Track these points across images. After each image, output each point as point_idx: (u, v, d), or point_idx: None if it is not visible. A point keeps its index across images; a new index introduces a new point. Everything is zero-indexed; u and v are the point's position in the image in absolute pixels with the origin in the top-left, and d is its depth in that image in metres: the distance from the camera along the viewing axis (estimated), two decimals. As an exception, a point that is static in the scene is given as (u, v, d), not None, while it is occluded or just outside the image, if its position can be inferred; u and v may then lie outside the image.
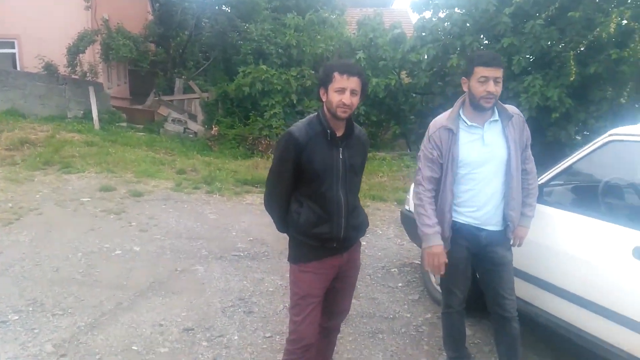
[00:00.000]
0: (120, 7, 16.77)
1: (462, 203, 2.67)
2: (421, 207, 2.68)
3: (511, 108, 2.66)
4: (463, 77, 2.61)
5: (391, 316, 3.87)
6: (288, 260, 2.58)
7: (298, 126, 2.39)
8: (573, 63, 9.44)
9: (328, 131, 2.34)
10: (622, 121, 9.60)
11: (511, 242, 2.77)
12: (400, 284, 4.46)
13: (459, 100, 2.68)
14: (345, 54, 12.61)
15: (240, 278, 4.47)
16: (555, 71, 10.18)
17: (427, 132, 2.73)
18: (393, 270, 4.80)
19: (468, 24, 10.95)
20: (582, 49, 9.52)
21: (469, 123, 2.61)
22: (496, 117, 2.62)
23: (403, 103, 12.76)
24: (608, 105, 9.80)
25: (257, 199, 7.47)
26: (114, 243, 5.22)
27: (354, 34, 13.47)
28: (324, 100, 2.36)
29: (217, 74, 14.07)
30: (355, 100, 2.31)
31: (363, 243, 4.20)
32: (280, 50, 12.61)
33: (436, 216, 2.67)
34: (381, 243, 5.65)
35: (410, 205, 4.48)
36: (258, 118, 12.15)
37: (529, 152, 2.75)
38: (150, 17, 16.53)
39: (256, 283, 4.38)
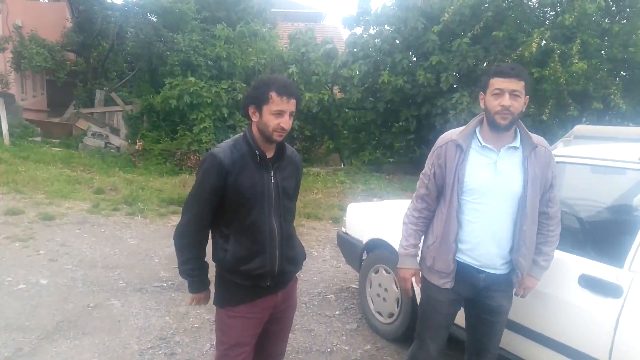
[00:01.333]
0: (36, 13, 15.69)
1: (460, 236, 2.29)
2: (404, 226, 2.46)
3: (537, 138, 2.28)
4: (480, 92, 2.27)
5: (329, 350, 3.60)
6: (214, 303, 2.27)
7: (222, 147, 2.10)
8: (498, 81, 9.71)
9: (257, 152, 2.07)
10: (544, 137, 10.09)
11: (514, 290, 2.39)
12: (337, 312, 4.21)
13: (477, 118, 2.32)
14: (277, 67, 12.38)
15: (162, 313, 4.04)
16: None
17: (434, 146, 2.40)
18: (330, 296, 4.55)
19: (397, 41, 11.11)
20: (506, 67, 9.83)
21: (483, 143, 2.24)
22: (517, 143, 2.23)
23: (336, 118, 12.73)
24: (531, 122, 10.19)
25: (183, 220, 7.02)
26: (17, 275, 4.62)
27: (286, 47, 13.30)
28: (254, 120, 2.08)
29: (142, 85, 13.39)
30: (291, 122, 2.07)
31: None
32: (209, 62, 12.18)
33: (430, 244, 2.38)
34: (317, 266, 5.39)
35: (347, 227, 4.28)
36: (186, 132, 11.63)
37: (554, 193, 2.33)
38: (69, 25, 15.53)
39: (180, 318, 3.97)
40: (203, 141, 11.42)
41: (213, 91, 11.67)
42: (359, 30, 12.01)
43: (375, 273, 3.78)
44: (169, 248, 5.72)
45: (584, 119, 9.89)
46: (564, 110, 9.56)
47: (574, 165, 2.68)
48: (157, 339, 3.60)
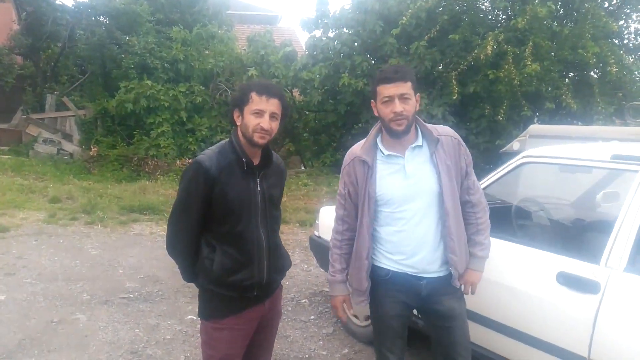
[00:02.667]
0: (-21, 15, 14.92)
1: (392, 248, 2.21)
2: (330, 251, 2.37)
3: (442, 129, 2.24)
4: (372, 101, 2.20)
5: (307, 355, 3.57)
6: (199, 315, 2.19)
7: (208, 154, 2.04)
8: (455, 83, 9.96)
9: (244, 160, 2.02)
10: (498, 137, 10.35)
11: (462, 289, 2.31)
12: (312, 317, 4.18)
13: (375, 127, 2.26)
14: (236, 70, 12.23)
15: (131, 326, 3.90)
16: (438, 90, 10.72)
17: (342, 164, 2.33)
18: (303, 301, 4.51)
19: (357, 44, 11.20)
20: (463, 68, 10.07)
21: (386, 152, 2.19)
22: (420, 141, 2.18)
23: (297, 120, 12.71)
24: (486, 122, 10.49)
25: (146, 228, 6.81)
26: (-30, 292, 4.36)
27: (244, 50, 13.16)
28: (238, 123, 2.04)
29: (96, 89, 12.94)
30: (275, 125, 2.02)
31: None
32: (166, 64, 11.90)
33: (349, 261, 2.30)
34: (288, 271, 5.33)
35: (320, 231, 4.25)
36: (144, 137, 11.33)
37: (473, 179, 2.28)
38: (17, 27, 14.82)
39: (150, 331, 3.84)
40: (161, 146, 11.17)
41: (170, 94, 11.43)
42: (318, 33, 12.02)
43: (351, 276, 3.77)
44: (133, 258, 5.55)
45: (535, 119, 10.25)
46: (518, 110, 9.87)
47: (550, 165, 2.76)
48: (128, 353, 3.47)
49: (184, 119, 11.66)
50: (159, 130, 11.25)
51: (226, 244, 2.06)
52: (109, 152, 11.25)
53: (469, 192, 2.26)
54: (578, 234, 2.71)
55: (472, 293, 2.35)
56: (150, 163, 11.08)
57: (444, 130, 2.24)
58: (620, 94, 10.04)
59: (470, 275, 2.29)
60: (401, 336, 2.32)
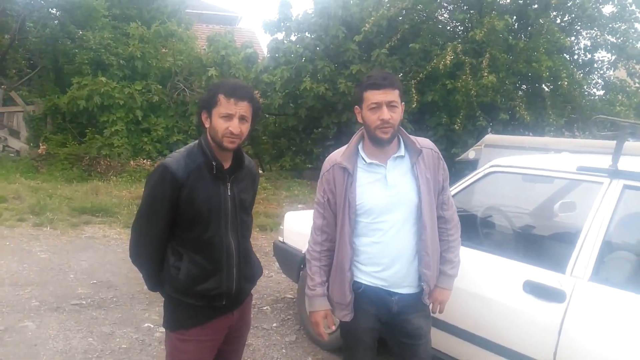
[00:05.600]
0: None
1: (367, 260, 2.15)
2: (308, 263, 2.26)
3: (423, 141, 2.20)
4: (356, 107, 2.13)
5: (269, 364, 3.50)
6: (163, 326, 2.09)
7: (175, 157, 1.95)
8: (414, 91, 10.12)
9: (213, 163, 1.94)
10: (454, 146, 10.58)
11: (430, 307, 2.26)
12: (274, 324, 4.10)
13: (357, 134, 2.19)
14: (195, 69, 11.97)
15: (84, 334, 3.71)
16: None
17: (321, 172, 2.25)
18: (265, 308, 4.43)
19: (319, 49, 11.21)
20: (422, 77, 10.25)
21: (368, 161, 2.12)
22: (402, 152, 2.13)
23: (256, 123, 12.54)
24: (443, 131, 10.72)
25: (99, 230, 6.53)
26: None
27: (203, 50, 12.92)
28: (207, 126, 1.96)
29: (46, 84, 12.37)
30: (246, 127, 1.95)
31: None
32: (122, 61, 11.50)
33: (328, 274, 2.22)
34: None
35: (285, 236, 4.19)
36: (96, 135, 10.89)
37: (448, 194, 2.26)
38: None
39: (105, 339, 3.66)
40: (115, 145, 10.78)
41: (126, 92, 11.04)
42: (280, 36, 11.98)
43: (315, 283, 3.73)
44: (85, 262, 5.31)
45: (489, 129, 10.54)
46: (474, 120, 10.13)
47: (517, 175, 2.81)
48: (82, 363, 3.30)
49: (140, 118, 11.29)
50: (113, 129, 10.85)
51: (194, 251, 1.97)
52: (58, 151, 10.75)
53: (443, 208, 2.23)
54: (545, 243, 2.77)
55: (440, 312, 2.32)
56: (102, 163, 10.67)
57: (425, 143, 2.21)
58: (570, 107, 10.49)
59: (439, 294, 2.25)
60: (372, 349, 2.27)
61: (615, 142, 2.43)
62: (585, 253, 2.34)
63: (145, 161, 11.24)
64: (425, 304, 2.23)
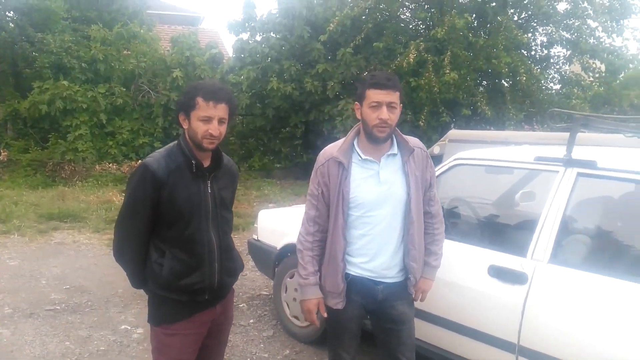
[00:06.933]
0: None
1: (355, 251, 2.25)
2: (299, 253, 2.33)
3: (413, 141, 2.29)
4: (356, 103, 2.22)
5: (248, 359, 3.57)
6: (148, 321, 2.14)
7: (155, 157, 2.02)
8: (379, 89, 10.29)
9: (193, 162, 2.01)
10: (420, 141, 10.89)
11: (413, 296, 2.38)
12: (251, 321, 4.18)
13: (354, 130, 2.27)
14: (159, 71, 11.88)
15: (61, 338, 3.70)
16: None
17: (315, 165, 2.32)
18: (242, 305, 4.49)
19: (284, 49, 11.29)
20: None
21: (363, 157, 2.20)
22: (395, 150, 2.23)
23: (233, 122, 12.54)
24: (408, 127, 10.94)
25: (68, 236, 6.45)
26: None
27: (167, 51, 12.81)
28: (185, 127, 2.02)
29: (5, 89, 12.03)
30: (224, 128, 2.01)
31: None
32: (84, 64, 11.31)
33: (321, 265, 2.30)
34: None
35: (259, 234, 4.27)
36: (59, 140, 10.70)
37: (434, 192, 2.37)
38: None
39: (82, 342, 3.66)
40: (79, 150, 10.60)
41: (89, 96, 10.89)
42: (245, 36, 11.99)
43: (291, 278, 3.82)
44: (57, 268, 5.25)
45: (452, 124, 10.84)
46: (437, 116, 10.41)
47: (480, 167, 2.97)
48: (61, 367, 3.31)
49: (104, 122, 11.17)
50: (77, 134, 10.68)
51: (176, 247, 2.03)
52: (20, 157, 10.54)
53: (429, 204, 2.35)
54: (507, 230, 2.94)
55: (422, 300, 2.44)
56: (67, 168, 10.51)
57: (416, 142, 2.30)
58: (529, 102, 10.89)
59: (423, 283, 2.38)
60: (356, 337, 2.38)
61: (569, 133, 2.62)
62: (544, 237, 2.51)
63: (111, 165, 11.10)
64: (411, 293, 2.34)
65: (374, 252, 2.24)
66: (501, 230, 3.02)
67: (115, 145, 11.30)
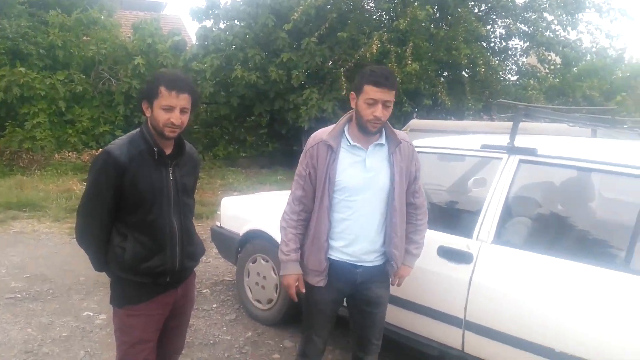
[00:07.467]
0: None
1: (335, 234, 2.32)
2: (282, 230, 2.40)
3: (400, 134, 2.37)
4: (352, 92, 2.27)
5: (211, 342, 3.66)
6: (111, 303, 2.21)
7: (117, 144, 2.07)
8: (343, 79, 10.44)
9: (155, 149, 2.07)
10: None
11: (390, 280, 2.48)
12: (215, 305, 4.27)
13: (346, 116, 2.34)
14: (120, 58, 11.66)
15: (22, 325, 3.71)
16: (328, 85, 11.16)
17: (305, 147, 2.39)
18: (205, 291, 4.57)
19: (249, 37, 11.25)
20: (350, 65, 10.57)
21: (352, 143, 2.28)
22: (382, 140, 2.30)
23: (195, 112, 12.43)
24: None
25: (27, 225, 6.36)
26: None
27: (128, 37, 12.57)
28: (147, 115, 2.08)
29: (-42, 76, 11.58)
30: (186, 117, 2.07)
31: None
32: (42, 50, 10.98)
33: (302, 242, 2.38)
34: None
35: (222, 221, 4.34)
36: (17, 129, 10.41)
37: (419, 184, 2.46)
38: None
39: (44, 329, 3.67)
40: (37, 138, 10.36)
41: (47, 83, 10.60)
42: (208, 24, 11.90)
43: (253, 263, 3.92)
44: (16, 257, 5.20)
45: (414, 114, 11.08)
46: (400, 106, 10.60)
47: (431, 155, 3.13)
48: (23, 353, 3.32)
49: (63, 109, 10.90)
50: (35, 122, 10.40)
51: (138, 232, 2.09)
52: (-25, 146, 10.21)
53: (414, 195, 2.44)
54: (456, 213, 3.11)
55: (399, 285, 2.55)
56: (25, 157, 10.25)
57: (403, 136, 2.39)
58: (488, 92, 11.22)
59: (403, 270, 2.48)
60: (330, 321, 2.47)
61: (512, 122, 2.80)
62: (488, 220, 2.69)
63: (70, 154, 10.88)
64: (387, 275, 2.43)
65: (353, 236, 2.31)
66: (451, 214, 3.19)
67: (75, 134, 11.08)
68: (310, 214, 2.36)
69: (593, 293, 2.33)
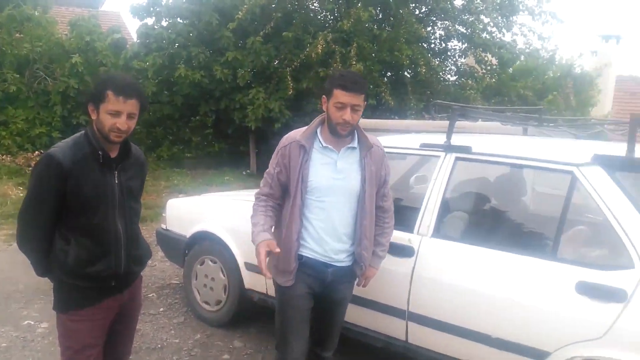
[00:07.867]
0: None
1: (306, 234, 2.37)
2: (253, 217, 2.42)
3: (373, 139, 2.43)
4: (323, 96, 2.32)
5: (159, 346, 3.63)
6: (54, 309, 2.17)
7: (61, 147, 2.03)
8: (289, 78, 10.47)
9: (100, 153, 2.05)
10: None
11: (357, 281, 2.55)
12: (162, 309, 4.22)
13: (318, 118, 2.40)
14: (57, 56, 11.17)
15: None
16: (274, 85, 11.15)
17: (278, 146, 2.42)
18: (151, 295, 4.51)
19: (192, 35, 11.08)
20: (296, 65, 10.61)
21: (324, 144, 2.34)
22: (355, 144, 2.37)
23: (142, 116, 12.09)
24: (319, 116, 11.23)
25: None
26: None
27: (65, 35, 12.07)
28: (93, 118, 2.05)
29: None
30: (133, 122, 2.06)
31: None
32: (-30, 48, 10.40)
33: (270, 231, 2.38)
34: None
35: (168, 223, 4.30)
36: (-56, 130, 9.81)
37: (388, 189, 2.54)
38: None
39: (-19, 340, 3.53)
40: (-33, 140, 9.80)
41: (-22, 83, 10.06)
42: (150, 21, 11.58)
43: (201, 265, 3.92)
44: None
45: (360, 113, 11.21)
46: (345, 105, 10.76)
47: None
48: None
49: (-5, 110, 10.37)
50: (-36, 123, 9.85)
51: (82, 236, 2.07)
52: None
53: (383, 199, 2.51)
54: (398, 209, 3.21)
55: (364, 286, 2.61)
56: (-46, 159, 9.67)
57: (375, 141, 2.45)
58: (429, 92, 11.56)
59: (369, 272, 2.54)
60: (306, 322, 2.47)
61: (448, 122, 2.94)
62: (428, 215, 2.83)
63: (4, 157, 10.35)
64: (354, 276, 2.50)
65: (321, 236, 2.37)
66: (395, 210, 3.30)
67: (8, 136, 10.54)
68: (278, 206, 2.44)
69: (524, 281, 2.50)
